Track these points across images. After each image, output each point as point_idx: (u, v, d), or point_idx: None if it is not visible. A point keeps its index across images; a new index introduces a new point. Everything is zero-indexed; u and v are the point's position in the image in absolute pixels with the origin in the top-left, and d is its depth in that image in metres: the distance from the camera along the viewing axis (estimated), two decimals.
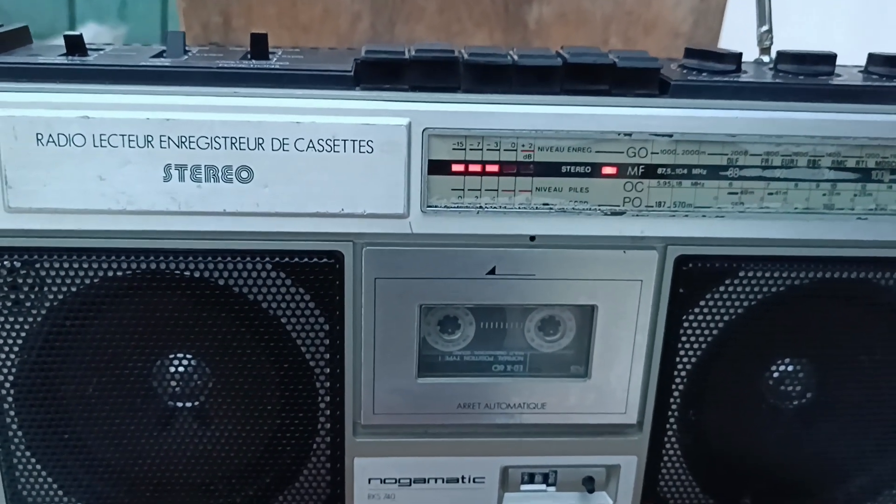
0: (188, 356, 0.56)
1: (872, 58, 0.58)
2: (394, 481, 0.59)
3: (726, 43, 0.97)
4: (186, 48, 0.57)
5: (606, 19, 0.95)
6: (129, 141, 0.50)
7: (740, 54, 0.57)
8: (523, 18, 0.96)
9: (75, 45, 0.54)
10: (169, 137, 0.50)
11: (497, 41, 1.00)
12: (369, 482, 0.59)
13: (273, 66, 0.52)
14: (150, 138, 0.50)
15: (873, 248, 0.55)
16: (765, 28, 0.63)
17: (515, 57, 0.53)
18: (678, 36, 0.96)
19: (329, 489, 0.59)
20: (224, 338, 0.55)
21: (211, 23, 0.91)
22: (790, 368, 0.59)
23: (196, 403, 0.57)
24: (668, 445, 0.59)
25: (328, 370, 0.55)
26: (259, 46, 0.55)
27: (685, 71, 0.56)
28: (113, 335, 0.54)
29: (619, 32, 0.97)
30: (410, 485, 0.59)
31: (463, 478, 0.60)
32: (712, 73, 0.55)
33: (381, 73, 0.52)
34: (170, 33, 0.57)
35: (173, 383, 0.56)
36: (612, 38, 0.98)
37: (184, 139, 0.50)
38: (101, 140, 0.49)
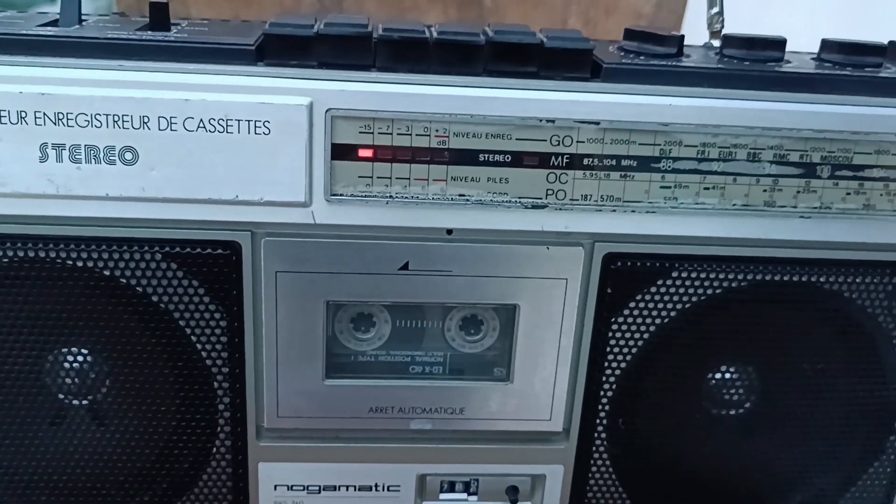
0: (80, 350, 0.51)
1: (826, 44, 0.54)
2: (302, 488, 0.55)
3: (690, 26, 0.93)
4: (84, 17, 0.52)
5: None
6: (1, 117, 0.45)
7: (682, 37, 0.53)
8: None
9: None
10: (45, 114, 0.45)
11: (451, 19, 0.95)
12: (275, 489, 0.55)
13: (166, 38, 0.48)
14: (23, 114, 0.45)
15: (817, 248, 0.52)
16: (715, 10, 0.59)
17: (435, 33, 0.48)
18: (640, 18, 0.91)
19: (231, 495, 0.55)
20: (114, 332, 0.50)
21: None
22: (728, 376, 0.55)
23: (88, 397, 0.53)
24: (596, 455, 0.56)
25: (227, 370, 0.51)
26: (159, 17, 0.50)
27: (622, 54, 0.52)
28: None
29: (579, 13, 0.92)
30: (320, 492, 0.55)
31: (377, 485, 0.56)
32: (650, 57, 0.51)
33: (286, 48, 0.48)
34: (64, 0, 0.52)
35: (63, 375, 0.52)
36: (572, 19, 0.93)
37: (61, 116, 0.45)
38: None
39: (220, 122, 0.46)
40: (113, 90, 0.45)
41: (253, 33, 0.51)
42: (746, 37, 0.53)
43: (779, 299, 0.53)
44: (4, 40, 0.46)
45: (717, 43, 0.58)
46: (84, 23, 0.51)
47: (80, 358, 0.51)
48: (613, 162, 0.49)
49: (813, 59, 0.54)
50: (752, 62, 0.52)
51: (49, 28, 0.49)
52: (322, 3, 0.88)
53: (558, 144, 0.48)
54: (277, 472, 0.55)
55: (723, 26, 0.59)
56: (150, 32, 0.49)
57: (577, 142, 0.48)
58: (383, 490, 0.56)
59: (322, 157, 0.47)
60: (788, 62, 0.52)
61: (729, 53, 0.53)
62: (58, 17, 0.52)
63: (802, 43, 0.57)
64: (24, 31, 0.47)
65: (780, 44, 0.53)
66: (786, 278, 0.52)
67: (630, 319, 0.52)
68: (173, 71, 0.46)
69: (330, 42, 0.47)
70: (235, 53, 0.47)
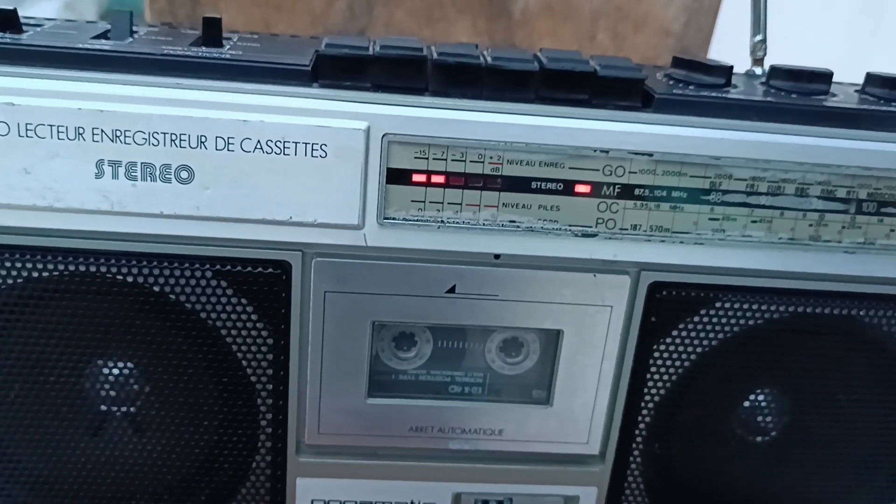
0: (126, 364, 0.52)
1: (870, 78, 0.55)
2: (338, 503, 0.56)
3: (718, 45, 0.93)
4: (134, 29, 0.52)
5: (595, 13, 0.91)
6: (59, 132, 0.45)
7: (731, 68, 0.53)
8: (508, 8, 0.92)
9: (8, 21, 0.49)
10: (102, 130, 0.45)
11: (480, 30, 0.95)
12: (312, 503, 0.55)
13: (222, 56, 0.48)
14: (81, 130, 0.45)
15: (859, 283, 0.52)
16: (759, 38, 0.60)
17: (489, 59, 0.49)
18: (669, 35, 0.92)
19: None
20: (160, 347, 0.51)
21: None
22: (763, 404, 0.56)
23: (130, 409, 0.53)
24: (630, 478, 0.56)
25: (270, 386, 0.52)
26: (211, 31, 0.50)
27: (671, 82, 0.52)
28: (38, 338, 0.50)
29: (607, 28, 0.93)
30: None
31: (412, 503, 0.56)
32: (700, 87, 0.52)
33: (341, 70, 0.48)
34: (115, 12, 0.52)
35: (107, 387, 0.52)
36: (600, 34, 0.94)
37: (118, 133, 0.45)
38: (26, 130, 0.45)
39: (278, 144, 0.46)
40: (172, 109, 0.45)
41: (305, 51, 0.51)
42: (793, 69, 0.53)
43: (818, 331, 0.53)
44: (62, 55, 0.46)
45: (759, 70, 0.58)
46: (135, 35, 0.51)
47: (125, 371, 0.51)
48: (664, 193, 0.49)
49: (857, 91, 0.55)
50: (799, 94, 0.52)
51: (103, 42, 0.49)
52: (352, 11, 0.88)
53: (611, 174, 0.48)
54: (315, 487, 0.55)
55: (765, 54, 0.59)
56: (204, 48, 0.49)
57: (630, 172, 0.48)
58: None
59: (377, 180, 0.47)
60: (834, 95, 0.53)
61: (775, 85, 0.53)
62: (108, 28, 0.52)
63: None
64: (82, 46, 0.47)
65: (826, 76, 0.53)
66: (826, 311, 0.52)
67: (672, 347, 0.53)
68: (232, 91, 0.46)
69: (385, 64, 0.48)
70: (292, 74, 0.47)
